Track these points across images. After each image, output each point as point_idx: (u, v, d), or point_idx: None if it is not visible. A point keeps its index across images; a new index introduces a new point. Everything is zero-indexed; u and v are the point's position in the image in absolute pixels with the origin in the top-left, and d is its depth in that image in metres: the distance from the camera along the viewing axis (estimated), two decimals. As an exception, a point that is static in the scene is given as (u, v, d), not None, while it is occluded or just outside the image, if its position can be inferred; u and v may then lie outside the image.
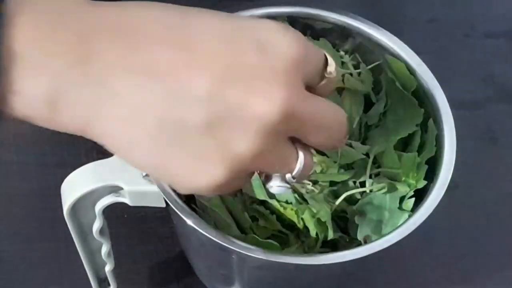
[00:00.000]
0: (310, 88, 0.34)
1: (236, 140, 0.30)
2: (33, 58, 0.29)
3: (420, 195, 0.43)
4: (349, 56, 0.48)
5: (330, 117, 0.34)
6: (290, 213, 0.43)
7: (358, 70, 0.48)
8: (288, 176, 0.34)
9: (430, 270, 0.55)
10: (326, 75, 0.34)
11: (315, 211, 0.42)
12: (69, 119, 0.30)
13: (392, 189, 0.44)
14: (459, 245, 0.56)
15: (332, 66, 0.35)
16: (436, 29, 0.68)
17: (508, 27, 0.68)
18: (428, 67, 0.45)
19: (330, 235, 0.42)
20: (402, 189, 0.43)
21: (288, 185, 0.35)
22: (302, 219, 0.43)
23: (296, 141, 0.34)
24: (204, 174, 0.31)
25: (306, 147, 0.35)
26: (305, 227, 0.43)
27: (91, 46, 0.30)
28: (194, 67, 0.30)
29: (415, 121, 0.45)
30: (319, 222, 0.42)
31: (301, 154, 0.34)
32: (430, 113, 0.45)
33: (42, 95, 0.30)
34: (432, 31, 0.67)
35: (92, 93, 0.30)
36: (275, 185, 0.35)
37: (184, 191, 0.34)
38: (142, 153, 0.31)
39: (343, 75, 0.47)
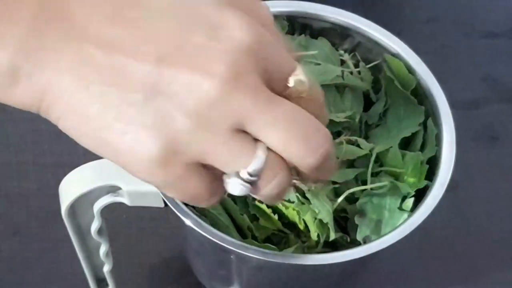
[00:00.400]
0: None
1: (172, 115, 0.30)
2: None
3: (419, 195, 0.42)
4: (349, 55, 0.48)
5: (293, 116, 0.31)
6: (291, 213, 0.43)
7: (357, 69, 0.47)
8: (243, 173, 0.31)
9: (430, 270, 0.55)
10: (288, 85, 0.32)
11: (317, 211, 0.42)
12: (25, 92, 0.31)
13: (393, 188, 0.44)
14: (459, 244, 0.56)
15: (298, 77, 0.32)
16: (436, 28, 0.67)
17: (508, 27, 0.68)
18: (428, 66, 0.45)
19: (332, 236, 0.42)
20: (404, 189, 0.43)
21: (247, 184, 0.32)
22: (303, 220, 0.43)
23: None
24: (141, 147, 0.31)
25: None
26: (306, 227, 0.43)
27: (47, 17, 0.30)
28: (142, 47, 0.30)
29: (416, 120, 0.45)
30: (321, 223, 0.42)
31: (260, 148, 0.31)
32: (430, 112, 0.45)
33: (5, 66, 0.30)
34: (432, 31, 0.67)
35: (45, 67, 0.30)
36: (233, 183, 0.32)
37: (131, 169, 0.32)
38: (83, 125, 0.31)
39: (342, 72, 0.47)
